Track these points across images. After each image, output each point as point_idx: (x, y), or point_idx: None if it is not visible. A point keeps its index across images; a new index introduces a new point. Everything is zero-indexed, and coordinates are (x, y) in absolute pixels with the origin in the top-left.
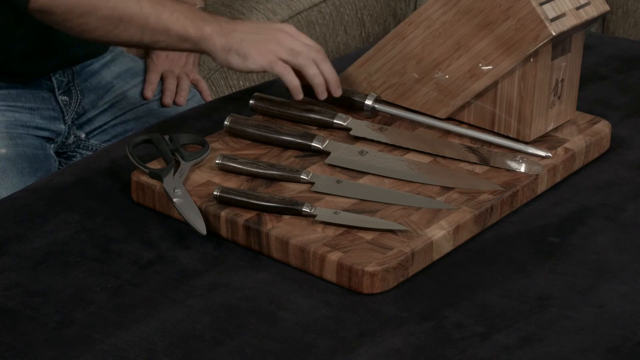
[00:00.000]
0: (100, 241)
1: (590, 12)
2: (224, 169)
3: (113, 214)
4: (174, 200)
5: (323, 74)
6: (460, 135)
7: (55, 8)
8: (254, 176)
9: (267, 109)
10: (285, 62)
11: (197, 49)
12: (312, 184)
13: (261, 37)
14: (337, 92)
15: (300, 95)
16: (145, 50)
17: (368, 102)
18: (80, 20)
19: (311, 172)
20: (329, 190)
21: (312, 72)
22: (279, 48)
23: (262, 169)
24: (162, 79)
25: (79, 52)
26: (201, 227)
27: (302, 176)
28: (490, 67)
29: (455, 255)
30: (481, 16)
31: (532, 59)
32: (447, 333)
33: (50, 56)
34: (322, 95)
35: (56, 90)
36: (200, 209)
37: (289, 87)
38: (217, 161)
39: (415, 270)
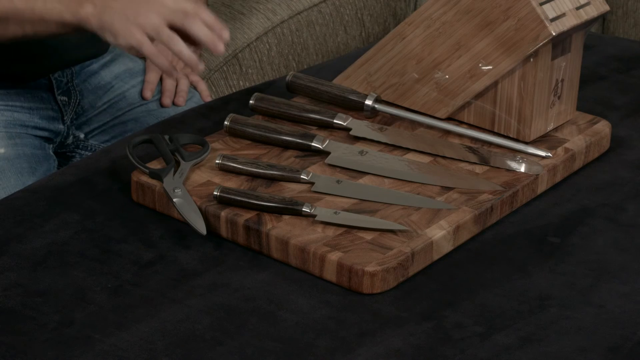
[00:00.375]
0: (100, 241)
1: (590, 12)
2: (224, 169)
3: (113, 214)
4: (174, 200)
5: (206, 26)
6: (460, 135)
7: None
8: (254, 176)
9: (267, 109)
10: (153, 37)
11: (81, 30)
12: (312, 184)
13: (132, 12)
14: (225, 35)
15: (160, 59)
16: None
17: (368, 102)
18: None
19: (311, 172)
20: (329, 190)
21: (164, 37)
22: (145, 22)
23: (262, 169)
24: (162, 80)
25: (78, 52)
26: (201, 227)
27: (302, 176)
28: (490, 67)
29: (455, 255)
30: (481, 16)
31: (532, 59)
32: (447, 333)
33: (49, 56)
34: (218, 47)
35: (55, 90)
36: (200, 209)
37: (146, 54)
38: (217, 161)
39: (415, 270)
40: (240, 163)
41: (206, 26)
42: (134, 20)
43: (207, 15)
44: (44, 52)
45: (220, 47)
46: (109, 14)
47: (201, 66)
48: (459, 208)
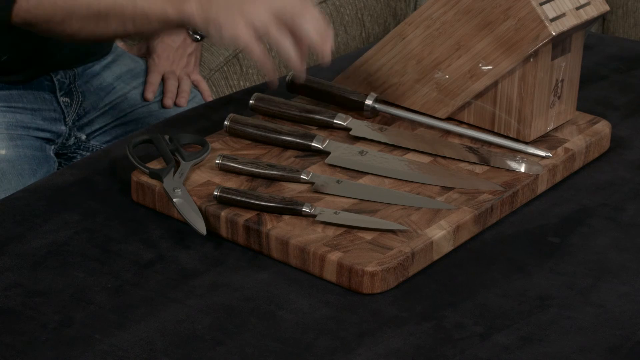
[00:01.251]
0: (100, 241)
1: (590, 12)
2: (224, 169)
3: (113, 214)
4: (174, 200)
5: (304, 37)
6: (460, 135)
7: (35, 19)
8: (254, 176)
9: (267, 109)
10: (258, 32)
11: (183, 27)
12: (312, 184)
13: (237, 5)
14: (331, 40)
15: (274, 83)
16: (147, 50)
17: (368, 102)
18: (62, 26)
19: (311, 172)
20: (329, 190)
21: (307, 32)
22: (254, 16)
23: (262, 169)
24: (164, 80)
25: (81, 51)
26: (201, 227)
27: (302, 176)
28: (490, 67)
29: (455, 255)
30: (481, 16)
31: (532, 59)
32: (447, 333)
33: (52, 56)
34: (326, 53)
35: (57, 91)
36: (200, 209)
37: (254, 56)
38: (217, 161)
39: (415, 270)
40: (240, 163)
41: (314, 28)
42: (239, 12)
43: (317, 15)
44: (47, 51)
45: (327, 53)
46: (215, 7)
47: (304, 75)
48: (459, 208)
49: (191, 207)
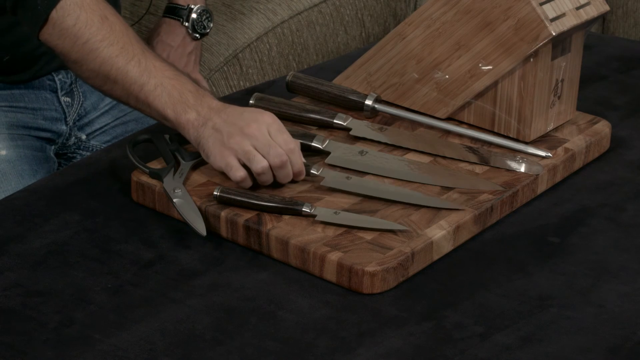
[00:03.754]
0: (100, 241)
1: (590, 12)
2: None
3: (113, 214)
4: (174, 200)
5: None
6: (460, 135)
7: (55, 48)
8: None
9: (267, 109)
10: (240, 157)
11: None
12: (322, 178)
13: (229, 132)
14: (298, 178)
15: (247, 183)
16: None
17: (368, 102)
18: (75, 66)
19: (322, 167)
20: (338, 185)
21: (256, 168)
22: (239, 148)
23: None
24: None
25: None
26: (201, 227)
27: (312, 170)
28: (490, 67)
29: (455, 255)
30: (481, 16)
31: (532, 59)
32: (447, 333)
33: (54, 56)
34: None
35: (59, 91)
36: (200, 209)
37: (234, 179)
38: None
39: (415, 270)
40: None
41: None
42: (227, 142)
43: (298, 163)
44: (48, 52)
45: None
46: (208, 129)
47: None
48: (466, 209)
49: (191, 208)
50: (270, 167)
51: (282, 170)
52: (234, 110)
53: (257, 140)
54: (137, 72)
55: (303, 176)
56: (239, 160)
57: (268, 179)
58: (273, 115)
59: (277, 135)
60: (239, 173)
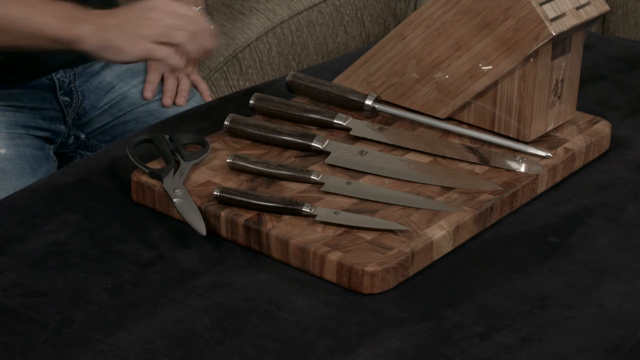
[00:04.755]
0: (100, 241)
1: (590, 12)
2: (235, 169)
3: (113, 214)
4: (174, 200)
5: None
6: (460, 135)
7: None
8: (265, 176)
9: (267, 109)
10: (162, 43)
11: (74, 49)
12: (322, 184)
13: (133, 25)
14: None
15: (177, 61)
16: None
17: (368, 102)
18: None
19: (322, 173)
20: (338, 191)
21: (177, 40)
22: (151, 31)
23: (272, 168)
24: (163, 80)
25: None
26: (201, 227)
27: (312, 177)
28: (490, 67)
29: (455, 255)
30: (481, 16)
31: (532, 59)
32: (447, 333)
33: (53, 56)
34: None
35: (57, 90)
36: (200, 209)
37: (162, 57)
38: (227, 160)
39: (415, 270)
40: (251, 162)
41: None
42: (136, 35)
43: (206, 25)
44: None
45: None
46: (109, 31)
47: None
48: (465, 210)
49: (191, 208)
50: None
51: (200, 35)
52: (123, 9)
53: (165, 19)
54: (20, 9)
55: (219, 39)
56: (156, 42)
57: (194, 47)
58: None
59: (176, 8)
60: (163, 50)
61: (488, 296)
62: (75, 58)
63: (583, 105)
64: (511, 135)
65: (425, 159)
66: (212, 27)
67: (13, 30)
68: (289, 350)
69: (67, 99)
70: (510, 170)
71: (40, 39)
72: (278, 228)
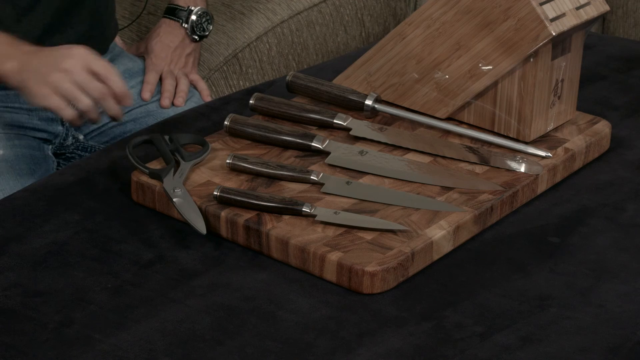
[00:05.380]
0: (100, 241)
1: (590, 12)
2: (235, 169)
3: (113, 214)
4: (174, 200)
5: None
6: (460, 135)
7: None
8: (264, 176)
9: (267, 109)
10: (63, 95)
11: (5, 85)
12: (322, 184)
13: (47, 71)
14: (126, 102)
15: (78, 122)
16: (145, 49)
17: (368, 102)
18: None
19: (322, 172)
20: (338, 191)
21: (82, 106)
22: (59, 85)
23: (272, 169)
24: (161, 80)
25: None
26: (201, 227)
27: (312, 177)
28: (490, 67)
29: (455, 255)
30: (481, 16)
31: (532, 59)
32: (447, 333)
33: None
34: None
35: None
36: (200, 209)
37: (65, 119)
38: (227, 161)
39: (415, 270)
40: (250, 163)
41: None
42: (46, 81)
43: (119, 85)
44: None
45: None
46: (27, 72)
47: (121, 118)
48: (466, 209)
49: (191, 207)
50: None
51: (106, 102)
52: (49, 50)
53: (75, 75)
54: None
55: (129, 99)
56: (64, 97)
57: (95, 116)
58: (85, 47)
59: (92, 63)
60: (68, 113)
61: (488, 296)
62: None
63: (583, 105)
64: (511, 135)
65: (425, 159)
66: (125, 88)
67: None
68: (289, 350)
69: None
70: (510, 170)
71: None
72: (278, 228)
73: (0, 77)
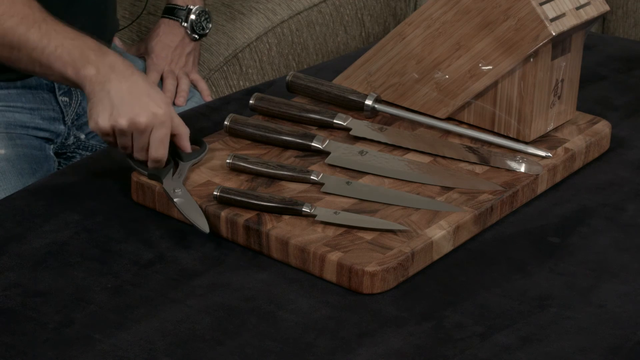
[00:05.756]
0: (100, 241)
1: (590, 12)
2: (235, 169)
3: (113, 214)
4: (175, 200)
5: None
6: (460, 135)
7: None
8: (264, 176)
9: (267, 109)
10: (118, 134)
11: (81, 89)
12: (322, 184)
13: (116, 104)
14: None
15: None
16: (145, 50)
17: (368, 102)
18: None
19: (322, 172)
20: (338, 191)
21: (136, 151)
22: (117, 127)
23: (272, 169)
24: (162, 80)
25: None
26: (204, 226)
27: (312, 177)
28: (490, 67)
29: (455, 255)
30: (481, 16)
31: (532, 59)
32: (447, 333)
33: None
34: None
35: (56, 90)
36: (200, 209)
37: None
38: (227, 161)
39: (415, 270)
40: (250, 163)
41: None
42: (110, 112)
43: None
44: None
45: (186, 148)
46: (103, 91)
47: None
48: (466, 209)
49: (193, 207)
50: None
51: (138, 154)
52: (136, 83)
53: (137, 131)
54: (38, 37)
55: (161, 160)
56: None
57: (125, 151)
58: (168, 113)
59: (155, 134)
60: (110, 141)
61: (488, 296)
62: None
63: (583, 105)
64: (511, 135)
65: (425, 159)
66: (186, 130)
67: (30, 55)
68: (289, 350)
69: (66, 99)
70: (510, 170)
71: (52, 71)
72: (278, 228)
73: (78, 80)
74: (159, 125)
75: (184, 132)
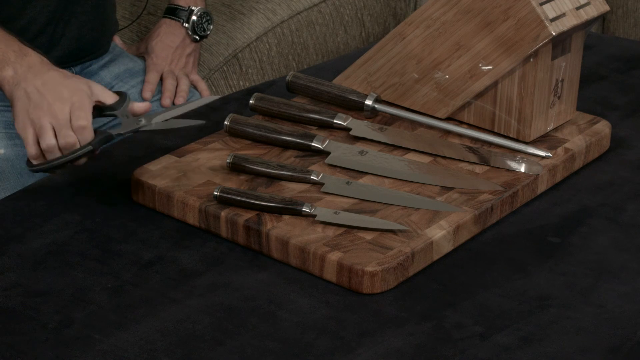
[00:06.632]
0: (100, 241)
1: (590, 12)
2: (235, 169)
3: (113, 214)
4: (152, 121)
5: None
6: (460, 135)
7: None
8: (264, 176)
9: (267, 109)
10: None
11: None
12: (322, 184)
13: (34, 103)
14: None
15: (36, 160)
16: (145, 50)
17: (368, 102)
18: None
19: (322, 172)
20: (338, 191)
21: (43, 145)
22: (37, 122)
23: (272, 169)
24: (162, 79)
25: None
26: (197, 122)
27: (312, 177)
28: (490, 67)
29: (455, 255)
30: (481, 16)
31: (532, 59)
32: (447, 333)
33: (49, 50)
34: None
35: None
36: (200, 209)
37: (28, 154)
38: (227, 161)
39: (415, 270)
40: (250, 163)
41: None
42: (28, 114)
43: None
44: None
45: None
46: (20, 90)
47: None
48: (466, 209)
49: (173, 120)
50: (58, 146)
51: (65, 150)
52: (52, 78)
53: (56, 119)
54: None
55: (86, 127)
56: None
57: (52, 157)
58: (84, 94)
59: (75, 114)
60: (31, 150)
61: (488, 296)
62: (70, 56)
63: (583, 105)
64: (511, 135)
65: (425, 159)
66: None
67: None
68: (289, 350)
69: None
70: (510, 170)
71: None
72: (278, 228)
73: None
74: (77, 101)
75: (108, 98)
